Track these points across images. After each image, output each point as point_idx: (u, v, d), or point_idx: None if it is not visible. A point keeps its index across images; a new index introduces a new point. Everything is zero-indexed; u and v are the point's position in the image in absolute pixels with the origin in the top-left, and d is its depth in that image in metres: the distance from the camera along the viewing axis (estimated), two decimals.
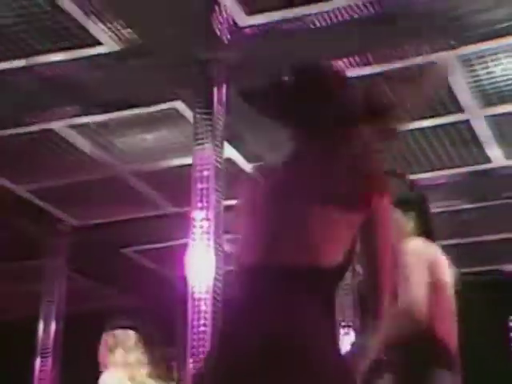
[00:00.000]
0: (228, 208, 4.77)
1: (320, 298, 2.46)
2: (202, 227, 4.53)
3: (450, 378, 3.36)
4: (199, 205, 4.57)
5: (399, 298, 2.63)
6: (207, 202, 4.58)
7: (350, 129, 2.57)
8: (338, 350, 2.48)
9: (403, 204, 3.52)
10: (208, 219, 4.54)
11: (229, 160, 5.65)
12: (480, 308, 6.99)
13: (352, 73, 4.72)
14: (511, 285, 7.90)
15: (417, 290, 3.37)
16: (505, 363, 7.55)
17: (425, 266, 3.41)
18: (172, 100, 5.06)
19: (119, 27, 4.51)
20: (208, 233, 4.51)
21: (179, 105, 5.06)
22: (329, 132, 2.55)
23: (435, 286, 3.40)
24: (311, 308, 2.45)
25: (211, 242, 4.48)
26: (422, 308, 3.30)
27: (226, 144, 5.25)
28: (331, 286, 2.50)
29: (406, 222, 3.60)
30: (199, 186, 4.59)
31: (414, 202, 3.66)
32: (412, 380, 3.31)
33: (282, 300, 2.44)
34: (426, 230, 3.62)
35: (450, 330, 3.46)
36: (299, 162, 2.54)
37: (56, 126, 5.41)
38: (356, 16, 4.48)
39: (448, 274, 3.50)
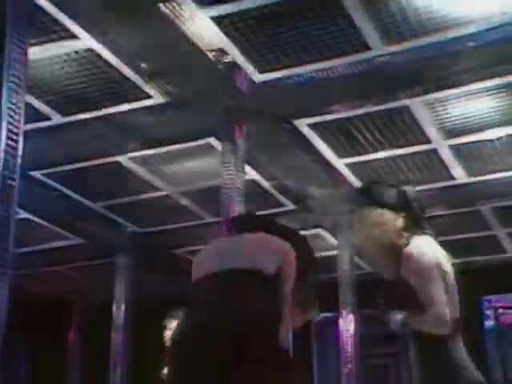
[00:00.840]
0: None
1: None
2: None
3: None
4: (227, 217, 4.60)
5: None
6: (231, 213, 4.65)
7: None
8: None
9: (392, 206, 3.49)
10: None
11: (252, 181, 5.88)
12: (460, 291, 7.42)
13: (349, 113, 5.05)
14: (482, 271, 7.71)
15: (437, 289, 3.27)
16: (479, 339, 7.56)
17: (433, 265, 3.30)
18: (206, 137, 5.28)
19: (165, 84, 4.70)
20: None
21: (212, 140, 5.27)
22: None
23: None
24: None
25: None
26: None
27: (249, 168, 5.50)
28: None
29: (396, 222, 3.49)
30: (226, 201, 4.70)
31: (401, 203, 3.53)
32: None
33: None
34: (418, 226, 3.51)
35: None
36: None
37: (121, 158, 5.68)
38: (345, 72, 4.57)
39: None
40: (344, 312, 6.31)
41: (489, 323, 8.05)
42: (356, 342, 6.27)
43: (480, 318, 8.03)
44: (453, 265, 3.39)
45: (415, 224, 3.45)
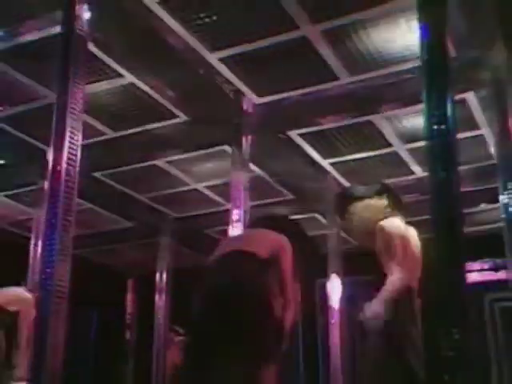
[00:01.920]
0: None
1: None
2: (237, 219, 4.65)
3: None
4: (236, 205, 4.71)
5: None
6: (239, 203, 4.72)
7: None
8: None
9: (377, 194, 3.62)
10: (239, 214, 4.66)
11: (259, 177, 5.91)
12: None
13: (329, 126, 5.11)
14: None
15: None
16: None
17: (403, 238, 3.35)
18: (221, 145, 5.34)
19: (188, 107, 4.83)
20: (239, 221, 4.61)
21: (225, 147, 5.29)
22: None
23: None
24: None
25: (240, 227, 4.54)
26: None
27: (256, 168, 5.62)
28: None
29: (381, 204, 3.58)
30: (235, 195, 4.75)
31: (384, 191, 3.65)
32: None
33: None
34: (398, 208, 3.59)
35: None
36: None
37: (158, 162, 5.77)
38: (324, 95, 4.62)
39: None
40: (332, 275, 6.25)
41: None
42: (341, 300, 6.16)
43: None
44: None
45: (395, 207, 3.57)
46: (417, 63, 4.13)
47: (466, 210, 6.78)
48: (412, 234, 3.43)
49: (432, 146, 2.57)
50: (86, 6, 3.38)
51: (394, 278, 3.20)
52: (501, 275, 6.67)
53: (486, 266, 7.49)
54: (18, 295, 4.55)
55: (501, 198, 4.02)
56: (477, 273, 7.34)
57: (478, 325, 7.33)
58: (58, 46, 3.30)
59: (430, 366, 2.94)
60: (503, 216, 3.96)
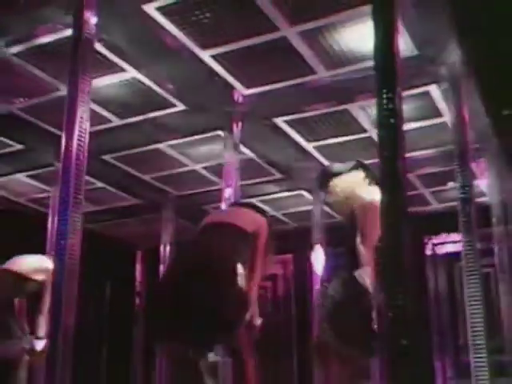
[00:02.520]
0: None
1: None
2: (228, 197, 4.83)
3: None
4: (228, 183, 4.95)
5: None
6: (231, 182, 4.95)
7: None
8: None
9: (353, 169, 3.67)
10: (231, 192, 4.87)
11: (250, 159, 6.03)
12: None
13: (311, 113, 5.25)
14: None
15: None
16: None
17: None
18: (216, 130, 5.41)
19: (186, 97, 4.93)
20: (230, 199, 4.78)
21: (219, 132, 5.34)
22: None
23: None
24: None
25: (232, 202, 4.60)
26: None
27: (248, 150, 5.80)
28: None
29: (361, 178, 3.61)
30: (227, 175, 4.98)
31: (359, 166, 3.68)
32: None
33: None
34: (375, 179, 3.49)
35: None
36: None
37: (160, 145, 5.86)
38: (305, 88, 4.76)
39: None
40: (316, 246, 6.47)
41: None
42: (325, 268, 6.37)
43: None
44: None
45: (372, 178, 3.55)
46: None
47: (437, 188, 7.07)
48: None
49: (382, 137, 2.75)
50: (92, 12, 3.59)
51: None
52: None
53: (458, 238, 7.74)
54: (42, 264, 4.57)
55: (456, 179, 4.27)
56: (451, 244, 7.68)
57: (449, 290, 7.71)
58: (69, 47, 3.50)
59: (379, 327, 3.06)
60: (459, 196, 4.20)
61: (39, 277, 4.54)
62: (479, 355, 3.90)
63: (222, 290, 2.78)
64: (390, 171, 2.61)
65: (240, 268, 2.92)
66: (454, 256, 7.29)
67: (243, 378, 2.85)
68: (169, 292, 2.84)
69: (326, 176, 3.84)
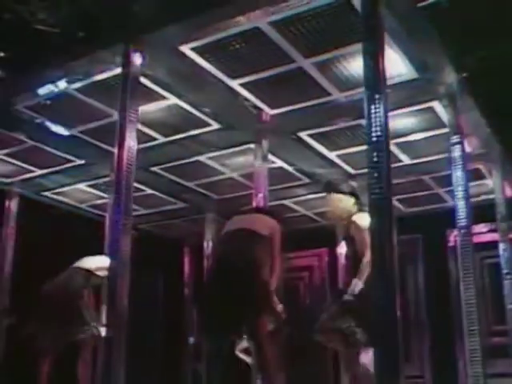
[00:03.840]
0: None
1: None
2: (259, 200, 5.07)
3: None
4: (258, 189, 5.18)
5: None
6: (261, 187, 5.17)
7: None
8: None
9: (346, 193, 4.13)
10: (261, 196, 5.09)
11: (281, 167, 6.38)
12: None
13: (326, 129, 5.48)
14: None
15: None
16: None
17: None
18: (248, 143, 5.61)
19: (220, 118, 5.21)
20: (261, 202, 5.03)
21: (251, 145, 5.51)
22: None
23: None
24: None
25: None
26: None
27: (278, 159, 6.14)
28: None
29: (350, 202, 4.09)
30: (257, 182, 5.21)
31: (350, 191, 4.18)
32: None
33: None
34: (360, 205, 4.04)
35: None
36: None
37: (201, 158, 6.15)
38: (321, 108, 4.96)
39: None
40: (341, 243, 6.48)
41: None
42: None
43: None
44: None
45: (358, 204, 4.06)
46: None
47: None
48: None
49: (370, 150, 3.07)
50: (137, 54, 4.12)
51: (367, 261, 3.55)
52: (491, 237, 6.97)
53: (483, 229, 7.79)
54: (103, 263, 4.92)
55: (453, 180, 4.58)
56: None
57: None
58: (119, 82, 4.03)
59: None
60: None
61: (101, 273, 5.23)
62: (473, 339, 4.20)
63: (249, 285, 3.16)
64: (377, 182, 2.98)
65: (261, 266, 3.31)
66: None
67: (262, 362, 3.18)
68: (212, 292, 3.26)
69: (327, 188, 4.30)
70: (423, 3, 3.83)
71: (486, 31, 4.23)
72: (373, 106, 3.10)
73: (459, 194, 4.49)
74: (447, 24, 4.06)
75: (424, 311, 7.88)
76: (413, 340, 7.69)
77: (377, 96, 3.10)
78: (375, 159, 2.98)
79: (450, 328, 7.03)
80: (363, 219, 3.72)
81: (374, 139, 3.06)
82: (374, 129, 3.08)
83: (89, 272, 5.36)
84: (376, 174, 2.98)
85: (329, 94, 4.89)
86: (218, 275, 3.32)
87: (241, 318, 3.18)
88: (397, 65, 4.39)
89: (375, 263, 2.85)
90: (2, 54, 4.40)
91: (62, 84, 4.59)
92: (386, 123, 3.09)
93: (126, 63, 4.02)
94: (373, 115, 3.12)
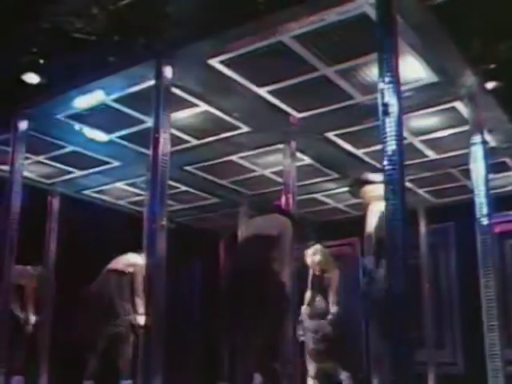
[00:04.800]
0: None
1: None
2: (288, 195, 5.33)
3: None
4: (287, 185, 5.48)
5: None
6: (289, 183, 5.47)
7: None
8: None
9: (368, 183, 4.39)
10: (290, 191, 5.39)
11: (311, 164, 6.61)
12: None
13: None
14: None
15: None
16: None
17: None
18: (277, 144, 5.84)
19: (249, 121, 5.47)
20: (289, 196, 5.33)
21: (280, 146, 5.75)
22: None
23: None
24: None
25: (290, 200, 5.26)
26: None
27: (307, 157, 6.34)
28: None
29: (371, 192, 4.33)
30: (286, 178, 5.52)
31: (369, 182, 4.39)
32: None
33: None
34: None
35: None
36: None
37: (233, 157, 6.41)
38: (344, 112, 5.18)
39: None
40: None
41: None
42: None
43: None
44: None
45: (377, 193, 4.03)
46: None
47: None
48: None
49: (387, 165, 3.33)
50: (168, 67, 4.43)
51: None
52: None
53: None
54: (132, 260, 5.95)
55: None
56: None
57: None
58: (153, 92, 4.31)
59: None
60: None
61: (131, 269, 5.88)
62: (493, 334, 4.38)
63: (266, 286, 3.49)
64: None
65: (275, 265, 3.57)
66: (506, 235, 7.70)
67: None
68: (233, 293, 3.62)
69: (361, 181, 4.55)
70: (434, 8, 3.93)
71: (502, 31, 4.34)
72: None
73: (479, 187, 4.60)
74: (461, 28, 4.22)
75: (457, 299, 7.96)
76: (445, 328, 7.81)
77: (392, 101, 3.28)
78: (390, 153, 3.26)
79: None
80: (379, 206, 3.80)
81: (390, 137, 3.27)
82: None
83: (120, 272, 5.94)
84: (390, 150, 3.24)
85: (352, 98, 5.09)
86: (234, 291, 3.64)
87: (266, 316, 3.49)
88: (416, 70, 4.59)
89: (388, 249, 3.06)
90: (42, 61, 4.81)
91: (101, 96, 4.88)
92: (401, 124, 3.30)
93: (158, 76, 4.30)
94: (387, 120, 3.32)
